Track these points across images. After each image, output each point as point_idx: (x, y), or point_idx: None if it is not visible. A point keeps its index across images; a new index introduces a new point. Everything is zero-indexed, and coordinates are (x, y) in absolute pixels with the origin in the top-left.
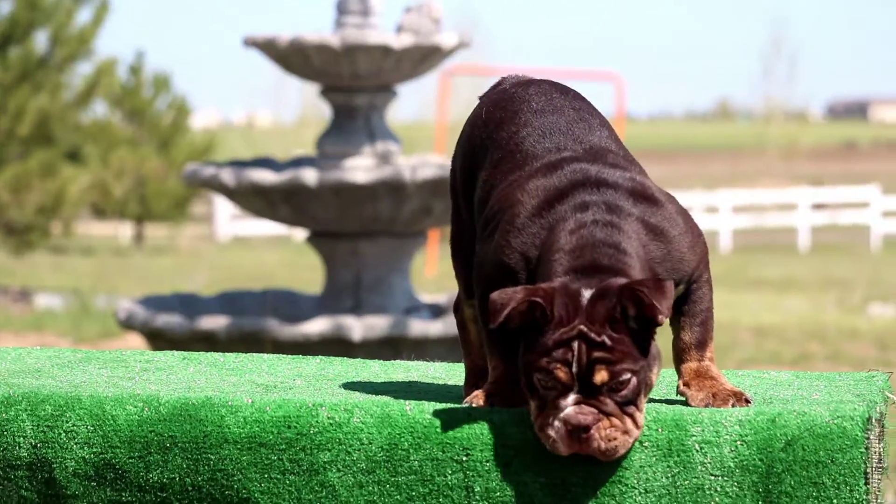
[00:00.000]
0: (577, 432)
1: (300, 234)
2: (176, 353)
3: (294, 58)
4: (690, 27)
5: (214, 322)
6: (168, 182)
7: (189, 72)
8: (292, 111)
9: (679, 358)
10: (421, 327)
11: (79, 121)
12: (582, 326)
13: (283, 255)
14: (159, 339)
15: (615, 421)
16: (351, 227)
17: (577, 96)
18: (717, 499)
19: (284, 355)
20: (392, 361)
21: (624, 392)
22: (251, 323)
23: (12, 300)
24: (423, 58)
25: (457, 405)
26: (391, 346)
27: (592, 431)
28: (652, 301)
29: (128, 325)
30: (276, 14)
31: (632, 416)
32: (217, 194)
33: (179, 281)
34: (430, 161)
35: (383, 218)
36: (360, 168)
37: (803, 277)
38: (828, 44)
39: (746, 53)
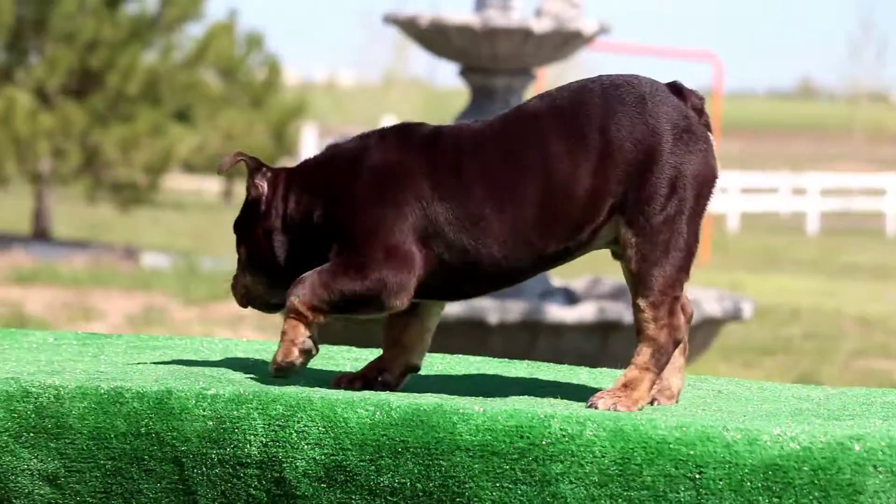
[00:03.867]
0: None
1: None
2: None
3: (434, 37)
4: (776, 4)
5: None
6: (258, 139)
7: (276, 31)
8: (377, 71)
9: None
10: (558, 313)
11: (187, 81)
12: None
13: None
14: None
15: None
16: None
17: None
18: None
19: (492, 358)
20: (599, 369)
21: None
22: None
23: (119, 258)
24: (564, 42)
25: (688, 420)
26: (528, 331)
27: None
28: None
29: None
30: None
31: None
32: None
33: None
34: None
35: None
36: None
37: None
38: None
39: (831, 33)
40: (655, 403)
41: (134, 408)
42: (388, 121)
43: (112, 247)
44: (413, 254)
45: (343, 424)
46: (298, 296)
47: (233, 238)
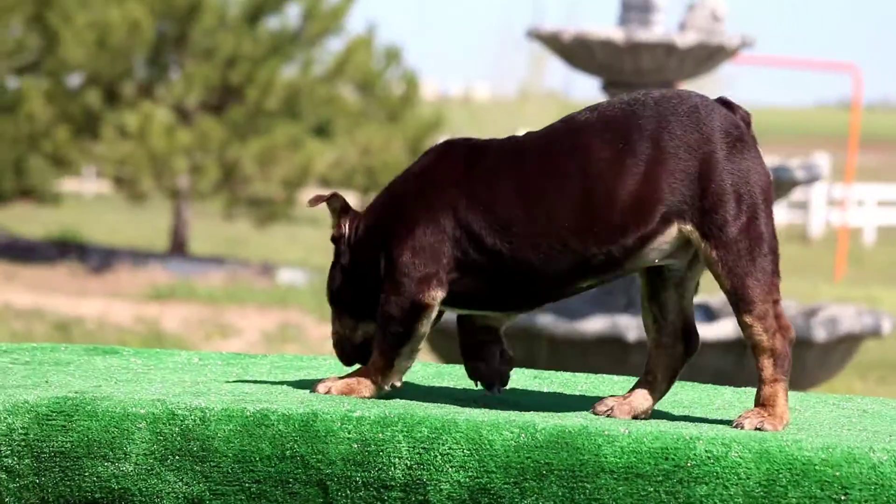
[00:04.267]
0: None
1: None
2: (526, 370)
3: (577, 52)
4: None
5: None
6: (395, 154)
7: (413, 45)
8: (512, 85)
9: None
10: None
11: (325, 96)
12: None
13: None
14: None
15: None
16: None
17: None
18: None
19: (634, 378)
20: (743, 388)
21: None
22: (526, 319)
23: (255, 273)
24: (707, 57)
25: (834, 441)
26: None
27: None
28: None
29: None
30: None
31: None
32: None
33: None
34: None
35: None
36: None
37: None
38: None
39: None
40: (609, 413)
41: (279, 430)
42: None
43: (248, 263)
44: (442, 251)
45: (488, 447)
46: (371, 376)
47: None
